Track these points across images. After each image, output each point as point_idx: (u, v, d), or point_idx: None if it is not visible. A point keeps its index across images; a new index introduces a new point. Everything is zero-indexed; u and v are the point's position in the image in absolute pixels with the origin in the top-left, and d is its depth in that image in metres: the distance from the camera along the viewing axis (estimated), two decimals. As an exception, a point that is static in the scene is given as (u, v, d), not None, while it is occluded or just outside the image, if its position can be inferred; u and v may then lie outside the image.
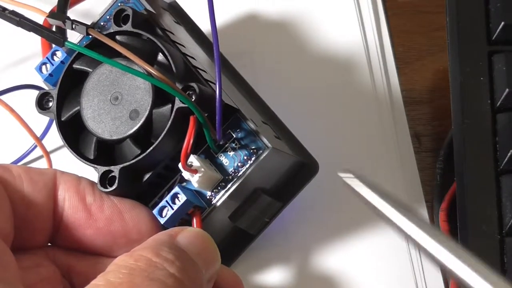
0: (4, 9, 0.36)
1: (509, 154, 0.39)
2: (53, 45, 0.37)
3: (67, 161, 0.40)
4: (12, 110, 0.43)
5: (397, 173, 0.45)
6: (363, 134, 0.46)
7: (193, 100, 0.34)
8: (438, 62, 0.49)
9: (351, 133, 0.46)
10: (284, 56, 0.48)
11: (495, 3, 0.43)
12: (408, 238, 0.28)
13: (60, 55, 0.38)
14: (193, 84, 0.34)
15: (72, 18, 0.37)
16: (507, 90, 0.40)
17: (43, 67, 0.38)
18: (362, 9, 0.49)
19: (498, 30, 0.42)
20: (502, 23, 0.42)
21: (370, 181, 0.29)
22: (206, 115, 0.34)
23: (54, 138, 0.45)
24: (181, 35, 0.41)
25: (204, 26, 0.45)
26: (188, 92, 0.34)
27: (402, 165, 0.45)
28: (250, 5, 0.50)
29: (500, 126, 0.41)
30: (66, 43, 0.35)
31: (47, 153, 0.44)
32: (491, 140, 0.40)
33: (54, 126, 0.45)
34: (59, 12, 0.37)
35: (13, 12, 0.36)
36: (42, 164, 0.46)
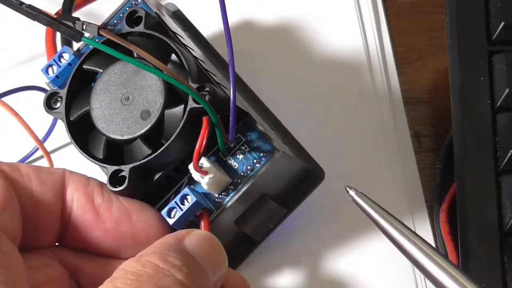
0: (21, 3, 0.35)
1: (509, 154, 0.40)
2: (59, 48, 0.37)
3: (68, 162, 0.40)
4: (13, 111, 0.43)
5: (397, 173, 0.45)
6: (363, 134, 0.46)
7: (206, 100, 0.34)
8: (438, 62, 0.49)
9: (350, 133, 0.46)
10: (284, 56, 0.49)
11: (495, 3, 0.43)
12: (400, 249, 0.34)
13: (67, 57, 0.38)
14: (207, 85, 0.35)
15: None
16: (507, 90, 0.40)
17: (50, 68, 0.38)
18: (362, 9, 0.49)
19: (498, 30, 0.42)
20: (502, 23, 0.42)
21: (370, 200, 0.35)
22: (218, 116, 0.34)
23: (56, 139, 0.45)
24: (188, 41, 0.41)
25: (206, 34, 0.45)
26: (201, 93, 0.34)
27: (402, 165, 0.45)
28: (251, 5, 0.50)
29: (500, 126, 0.41)
30: (83, 38, 0.35)
31: (48, 154, 0.44)
32: (491, 140, 0.41)
33: (57, 127, 0.45)
34: (65, 14, 0.37)
35: (30, 6, 0.35)
36: (42, 164, 0.45)
